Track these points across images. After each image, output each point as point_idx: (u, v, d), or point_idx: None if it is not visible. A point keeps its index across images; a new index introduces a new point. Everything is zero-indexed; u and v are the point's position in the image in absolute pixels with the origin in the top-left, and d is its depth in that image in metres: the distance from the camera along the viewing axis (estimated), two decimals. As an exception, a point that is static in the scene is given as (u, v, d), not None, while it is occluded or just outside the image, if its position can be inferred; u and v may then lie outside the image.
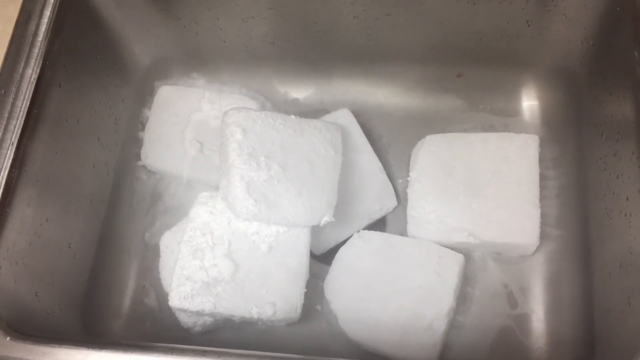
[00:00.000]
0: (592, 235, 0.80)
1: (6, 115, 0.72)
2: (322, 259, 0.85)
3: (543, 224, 0.82)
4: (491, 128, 0.92)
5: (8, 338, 0.63)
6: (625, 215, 0.70)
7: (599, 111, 0.80)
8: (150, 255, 0.88)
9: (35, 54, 0.74)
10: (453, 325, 0.80)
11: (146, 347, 0.63)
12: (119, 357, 0.62)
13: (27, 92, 0.73)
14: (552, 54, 0.87)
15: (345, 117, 0.90)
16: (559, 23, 0.83)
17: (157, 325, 0.85)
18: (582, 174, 0.84)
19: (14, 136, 0.71)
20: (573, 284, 0.81)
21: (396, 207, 0.89)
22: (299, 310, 0.76)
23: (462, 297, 0.82)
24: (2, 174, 0.70)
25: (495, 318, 0.82)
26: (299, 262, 0.77)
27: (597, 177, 0.79)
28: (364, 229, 0.85)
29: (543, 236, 0.82)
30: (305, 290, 0.77)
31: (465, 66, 0.93)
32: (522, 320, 0.81)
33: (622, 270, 0.70)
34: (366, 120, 0.93)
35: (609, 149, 0.76)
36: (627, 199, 0.70)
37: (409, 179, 0.88)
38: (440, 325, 0.77)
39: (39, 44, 0.75)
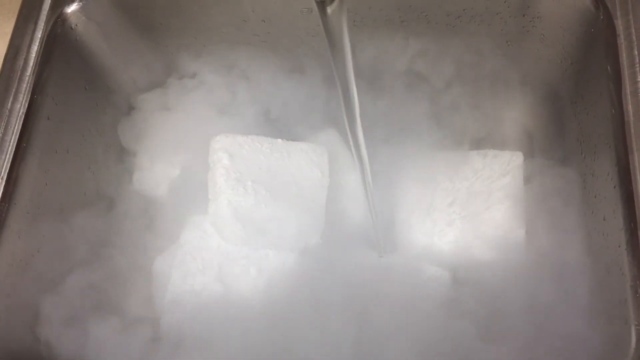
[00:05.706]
0: (576, 254, 0.79)
1: (-5, 149, 0.72)
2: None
3: (529, 241, 0.82)
4: (477, 146, 0.92)
5: (-1, 372, 0.64)
6: (603, 235, 0.70)
7: (579, 129, 0.81)
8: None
9: (24, 89, 0.75)
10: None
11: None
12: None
13: (16, 126, 0.73)
14: (534, 73, 0.88)
15: (332, 138, 0.90)
16: (538, 42, 0.83)
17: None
18: (565, 192, 0.83)
19: (3, 170, 0.71)
20: (560, 302, 0.80)
21: (385, 226, 0.88)
22: (289, 332, 0.77)
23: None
24: (-8, 208, 0.70)
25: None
26: (289, 285, 0.78)
27: (579, 196, 0.79)
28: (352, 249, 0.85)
29: (529, 253, 0.82)
30: (295, 313, 0.77)
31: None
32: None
33: (601, 289, 0.70)
34: (352, 141, 0.94)
35: (587, 168, 0.77)
36: (604, 219, 0.71)
37: (396, 196, 0.88)
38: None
39: (27, 78, 0.76)
